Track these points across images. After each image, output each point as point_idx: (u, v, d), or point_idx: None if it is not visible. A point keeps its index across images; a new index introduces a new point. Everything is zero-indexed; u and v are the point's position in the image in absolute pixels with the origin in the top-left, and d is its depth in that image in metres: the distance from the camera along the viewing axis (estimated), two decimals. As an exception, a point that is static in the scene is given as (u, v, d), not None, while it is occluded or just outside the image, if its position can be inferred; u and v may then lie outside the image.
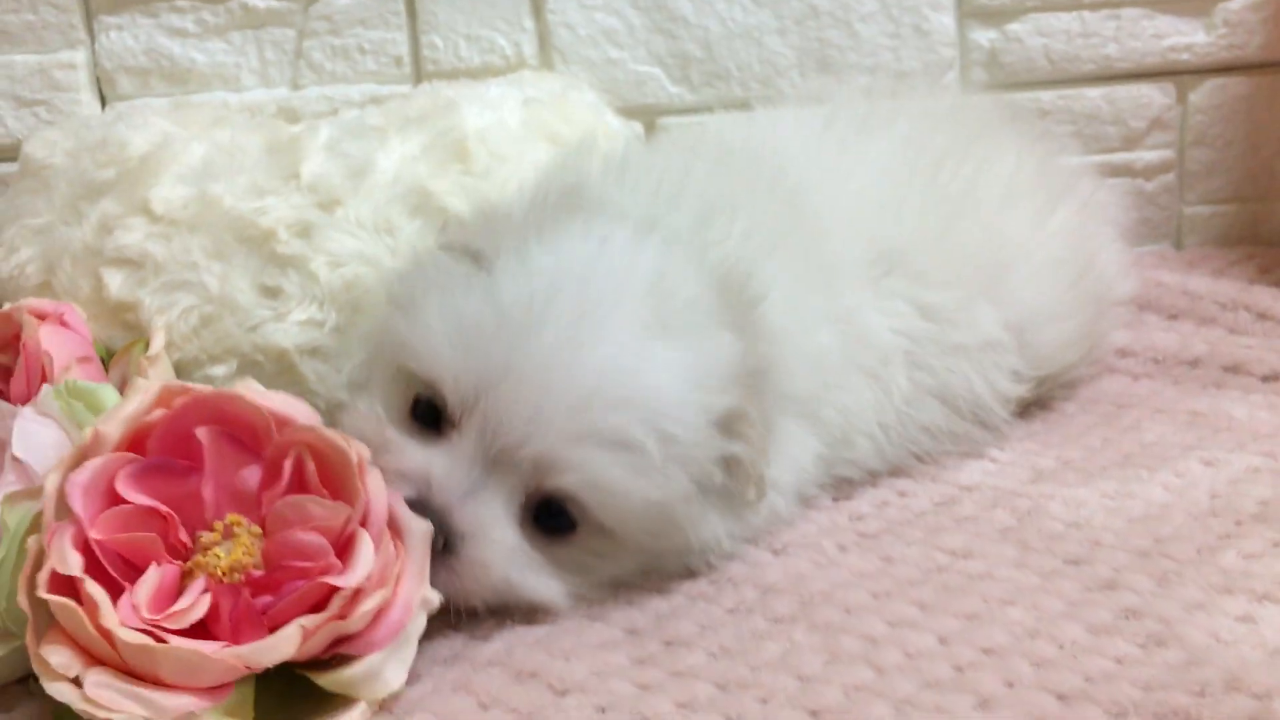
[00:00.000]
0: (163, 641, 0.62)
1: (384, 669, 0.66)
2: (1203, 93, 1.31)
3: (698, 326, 0.77)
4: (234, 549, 0.66)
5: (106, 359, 0.94)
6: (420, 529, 0.71)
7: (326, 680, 0.65)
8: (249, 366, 0.94)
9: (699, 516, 0.77)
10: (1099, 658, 0.67)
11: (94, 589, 0.62)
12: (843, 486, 0.91)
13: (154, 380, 0.87)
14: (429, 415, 0.76)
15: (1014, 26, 1.28)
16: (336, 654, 0.66)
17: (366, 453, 0.71)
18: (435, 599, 0.70)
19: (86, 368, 0.88)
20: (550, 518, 0.75)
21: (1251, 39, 1.29)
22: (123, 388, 0.90)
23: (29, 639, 0.63)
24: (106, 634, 0.61)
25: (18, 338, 0.90)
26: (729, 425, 0.76)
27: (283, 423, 0.71)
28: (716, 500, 0.78)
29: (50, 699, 0.67)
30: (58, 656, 0.61)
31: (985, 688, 0.65)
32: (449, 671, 0.70)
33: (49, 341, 0.87)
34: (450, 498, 0.74)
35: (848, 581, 0.78)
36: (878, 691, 0.66)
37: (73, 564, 0.62)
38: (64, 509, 0.64)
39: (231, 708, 0.62)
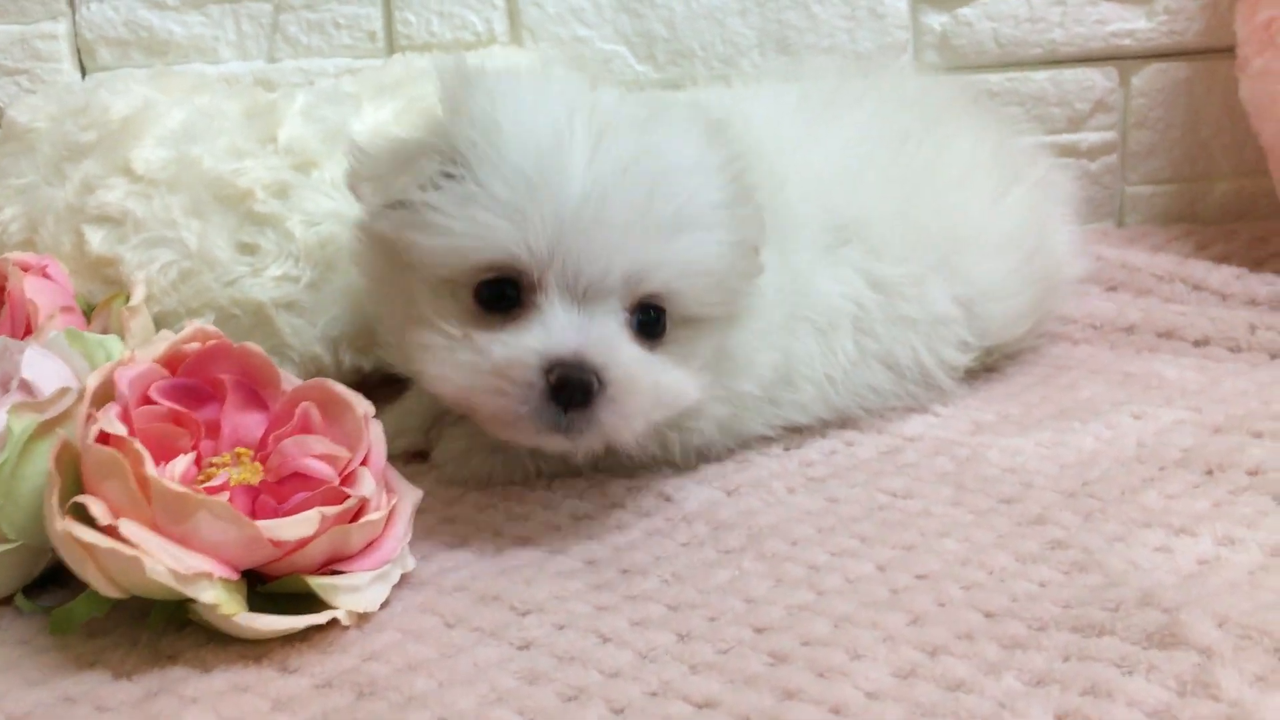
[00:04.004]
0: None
1: (367, 588, 0.72)
2: (1144, 77, 1.37)
3: (667, 113, 0.85)
4: (242, 472, 0.73)
5: (87, 312, 0.98)
6: (412, 494, 0.78)
7: (318, 581, 0.70)
8: (226, 320, 0.98)
9: (742, 282, 0.84)
10: (1024, 581, 0.72)
11: (139, 445, 0.68)
12: (793, 437, 0.96)
13: (136, 330, 0.92)
14: (497, 298, 0.78)
15: (964, 11, 1.33)
16: (329, 570, 0.72)
17: (370, 408, 0.77)
18: (411, 562, 0.76)
19: (69, 317, 0.92)
20: (645, 327, 0.81)
21: (1191, 26, 1.35)
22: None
23: (48, 504, 0.68)
24: (145, 485, 0.67)
25: (2, 289, 0.94)
26: (734, 192, 0.83)
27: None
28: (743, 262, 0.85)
29: (48, 610, 0.72)
30: (96, 506, 0.67)
31: (918, 607, 0.70)
32: (416, 595, 0.75)
33: (33, 291, 0.91)
34: (574, 345, 0.76)
35: (794, 518, 0.82)
36: (818, 610, 0.70)
37: (119, 428, 0.69)
38: (106, 397, 0.72)
39: (235, 587, 0.68)
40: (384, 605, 0.73)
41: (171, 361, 0.76)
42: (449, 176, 0.78)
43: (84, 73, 1.28)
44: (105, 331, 0.95)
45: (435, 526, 0.84)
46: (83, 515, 0.68)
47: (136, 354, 0.75)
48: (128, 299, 0.95)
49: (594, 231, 0.76)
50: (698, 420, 0.89)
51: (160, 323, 0.97)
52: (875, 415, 0.99)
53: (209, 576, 0.67)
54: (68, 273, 0.98)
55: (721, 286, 0.82)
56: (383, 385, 1.04)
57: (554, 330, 0.76)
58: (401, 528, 0.76)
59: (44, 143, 1.07)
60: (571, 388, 0.75)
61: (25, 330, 0.89)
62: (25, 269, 0.93)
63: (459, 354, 0.78)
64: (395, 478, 0.79)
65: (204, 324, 0.97)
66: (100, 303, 0.97)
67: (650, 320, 0.80)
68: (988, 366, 1.08)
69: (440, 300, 0.80)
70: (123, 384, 0.72)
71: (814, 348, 0.94)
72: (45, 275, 0.94)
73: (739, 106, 1.06)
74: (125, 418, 0.71)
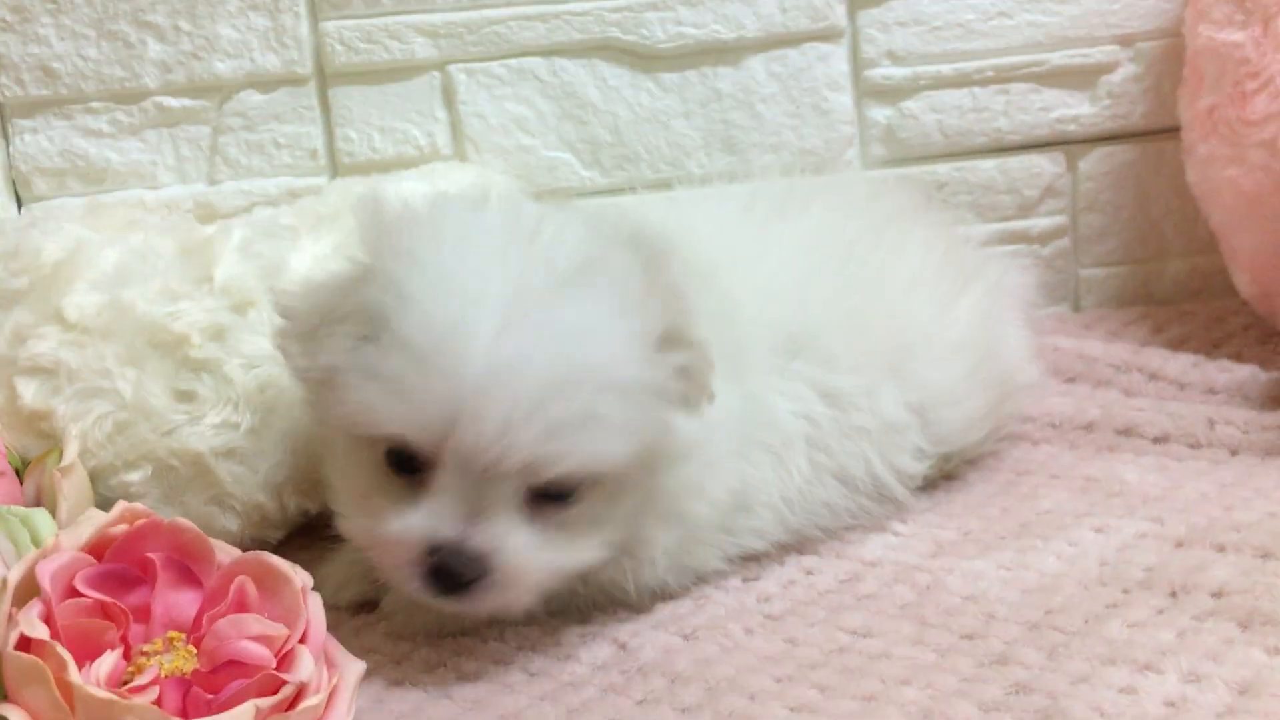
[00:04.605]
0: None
1: (310, 780, 0.69)
2: (1091, 160, 1.37)
3: (597, 262, 0.79)
4: (174, 659, 0.70)
5: (21, 468, 0.95)
6: (355, 668, 0.75)
7: (257, 780, 0.67)
8: (164, 471, 0.95)
9: (672, 433, 0.82)
10: (988, 736, 0.70)
11: (61, 650, 0.65)
12: (751, 566, 0.94)
13: (69, 492, 0.89)
14: (405, 463, 0.78)
15: (909, 104, 1.33)
16: None
17: (309, 580, 0.75)
18: None
19: (0, 482, 0.89)
20: (551, 496, 0.79)
21: (1134, 108, 1.35)
22: (38, 498, 0.92)
23: None
24: (69, 692, 0.64)
25: (-70, 453, 0.91)
26: (668, 341, 0.80)
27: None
28: (678, 408, 0.82)
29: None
30: (17, 716, 0.65)
31: (880, 772, 0.68)
32: (362, 779, 0.72)
33: (-39, 457, 0.88)
34: (457, 533, 0.77)
35: (753, 666, 0.80)
36: (777, 781, 0.68)
37: (41, 630, 0.66)
38: (29, 592, 0.69)
39: (168, 790, 0.65)
40: (328, 793, 0.70)
41: (98, 546, 0.73)
42: (364, 339, 0.78)
43: (20, 204, 1.26)
44: (38, 491, 0.92)
45: (382, 693, 0.81)
46: (5, 726, 0.65)
47: (61, 540, 0.72)
48: (61, 456, 0.92)
49: (490, 420, 0.74)
50: (648, 549, 0.87)
51: (96, 477, 0.95)
52: (832, 536, 0.97)
53: (139, 787, 0.64)
54: (1, 429, 0.95)
55: (643, 456, 0.80)
56: (330, 528, 1.01)
57: (440, 514, 0.77)
58: (344, 706, 0.73)
59: (-25, 288, 1.05)
60: (450, 576, 0.77)
61: (-48, 501, 0.86)
62: (-47, 432, 0.91)
63: (360, 514, 0.81)
64: (336, 650, 0.76)
65: (141, 476, 0.96)
66: (33, 461, 0.94)
67: (550, 495, 0.79)
68: (947, 474, 1.07)
69: (357, 453, 0.81)
70: (44, 579, 0.69)
71: (769, 472, 0.92)
72: (-26, 437, 0.91)
73: (682, 219, 1.05)
74: (48, 617, 0.68)
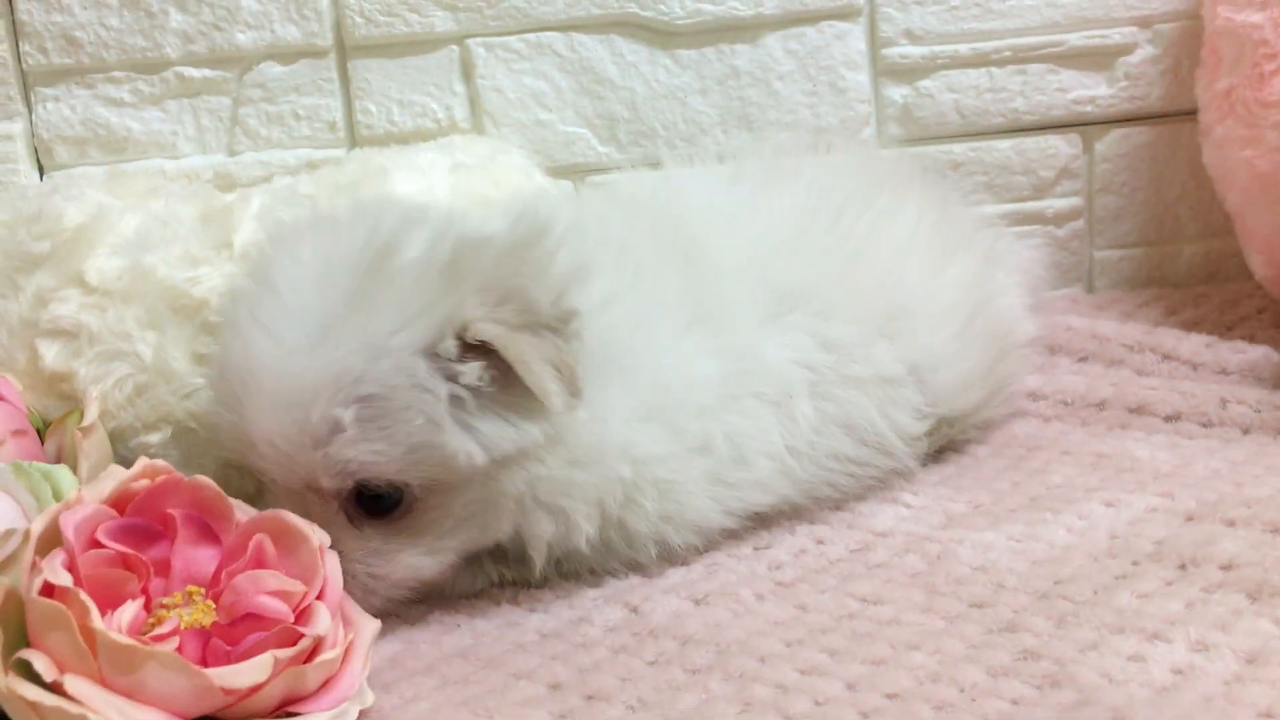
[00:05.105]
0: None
1: (325, 729, 0.70)
2: (1108, 142, 1.37)
3: (411, 281, 0.80)
4: (193, 613, 0.71)
5: (43, 429, 0.96)
6: (370, 625, 0.77)
7: (275, 728, 0.68)
8: (183, 433, 0.96)
9: (478, 437, 0.80)
10: (996, 700, 0.71)
11: (84, 597, 0.66)
12: (762, 535, 0.94)
13: (90, 451, 0.90)
14: None
15: (926, 83, 1.33)
16: (284, 710, 0.71)
17: (326, 539, 0.77)
18: (370, 698, 0.74)
19: (21, 441, 0.90)
20: (376, 502, 0.82)
21: (1152, 90, 1.35)
22: (59, 457, 0.93)
23: None
24: (91, 638, 0.66)
25: (-46, 411, 0.92)
26: (469, 349, 0.79)
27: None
28: (494, 413, 0.80)
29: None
30: (40, 661, 0.66)
31: (888, 732, 0.69)
32: (376, 731, 0.73)
33: (-16, 415, 0.89)
34: None
35: (763, 630, 0.81)
36: (786, 739, 0.69)
37: (64, 578, 0.67)
38: (52, 542, 0.71)
39: (187, 738, 0.66)
40: (343, 743, 0.71)
41: (120, 500, 0.74)
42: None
43: (42, 172, 1.27)
44: (59, 451, 0.93)
45: (398, 653, 0.82)
46: (28, 670, 0.66)
47: (84, 494, 0.73)
48: (81, 416, 0.93)
49: (259, 447, 0.81)
50: (533, 541, 0.86)
51: (116, 438, 0.96)
52: (843, 500, 0.97)
53: (160, 731, 0.65)
54: (21, 389, 0.97)
55: (436, 459, 0.79)
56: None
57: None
58: (359, 662, 0.74)
59: (-2, 252, 1.06)
60: None
61: (-24, 457, 0.87)
62: (-24, 390, 0.92)
63: None
64: (352, 608, 0.77)
65: (160, 437, 0.97)
66: (54, 421, 0.95)
67: (374, 501, 0.82)
68: (954, 446, 1.07)
69: None
70: (68, 530, 0.70)
71: (768, 421, 0.93)
72: (-2, 397, 0.92)
73: (669, 185, 1.07)
74: (71, 566, 0.69)
